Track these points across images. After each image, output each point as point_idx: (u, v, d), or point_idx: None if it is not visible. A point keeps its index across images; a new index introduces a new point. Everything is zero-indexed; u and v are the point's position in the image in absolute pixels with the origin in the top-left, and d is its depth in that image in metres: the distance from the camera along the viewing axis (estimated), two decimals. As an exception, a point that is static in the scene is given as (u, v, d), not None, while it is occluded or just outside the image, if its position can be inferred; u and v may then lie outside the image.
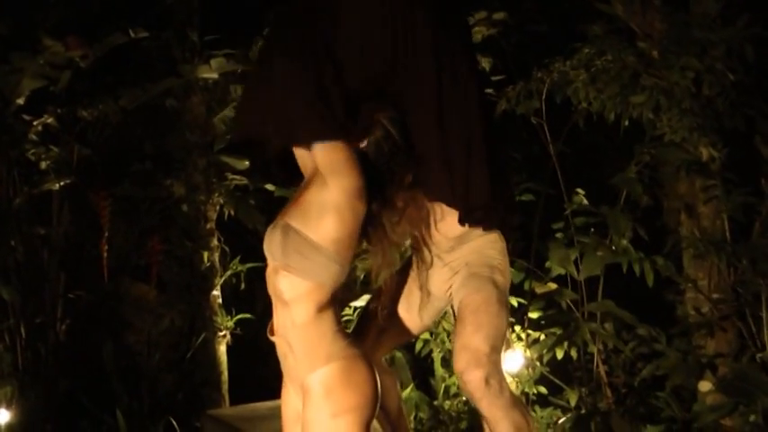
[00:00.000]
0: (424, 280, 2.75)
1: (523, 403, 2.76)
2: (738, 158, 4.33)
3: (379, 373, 2.42)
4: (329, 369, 2.26)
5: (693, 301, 4.35)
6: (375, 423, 2.56)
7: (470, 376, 2.47)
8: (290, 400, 2.51)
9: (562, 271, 4.26)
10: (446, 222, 2.66)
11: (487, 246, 2.69)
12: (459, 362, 2.50)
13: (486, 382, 2.46)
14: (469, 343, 2.51)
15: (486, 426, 2.64)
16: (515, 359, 4.38)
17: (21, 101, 4.56)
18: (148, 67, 4.97)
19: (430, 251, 2.69)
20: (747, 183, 4.26)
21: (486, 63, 4.40)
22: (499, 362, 2.57)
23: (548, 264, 4.36)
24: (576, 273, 4.14)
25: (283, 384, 2.52)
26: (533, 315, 4.46)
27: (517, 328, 4.46)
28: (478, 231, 2.67)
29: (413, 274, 2.81)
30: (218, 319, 5.09)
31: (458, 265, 2.67)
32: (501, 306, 2.61)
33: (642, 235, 4.26)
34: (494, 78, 4.43)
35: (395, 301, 2.82)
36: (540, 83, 4.24)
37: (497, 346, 2.56)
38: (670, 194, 4.49)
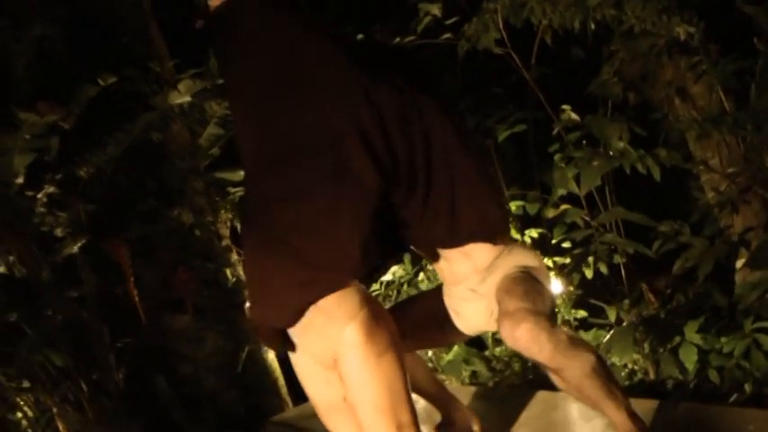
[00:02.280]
0: (462, 311, 2.81)
1: (582, 339, 2.64)
2: (719, 27, 4.17)
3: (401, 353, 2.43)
4: (360, 317, 2.30)
5: (710, 183, 4.23)
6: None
7: (518, 333, 2.40)
8: (326, 386, 2.53)
9: (566, 192, 4.17)
10: (472, 257, 2.68)
11: (519, 259, 2.68)
12: (504, 328, 2.44)
13: (537, 331, 2.38)
14: (507, 308, 2.46)
15: (554, 377, 2.57)
16: (552, 288, 4.32)
17: (20, 180, 4.64)
18: (125, 108, 5.03)
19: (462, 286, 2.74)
20: (732, 50, 4.11)
21: (436, 10, 4.32)
22: (545, 313, 2.49)
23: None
24: (578, 189, 4.05)
25: (312, 376, 2.53)
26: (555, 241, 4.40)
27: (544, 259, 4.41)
28: (505, 253, 2.68)
29: (448, 302, 2.84)
30: (259, 329, 5.14)
31: (494, 292, 2.65)
32: (536, 282, 2.59)
33: (639, 132, 4.15)
34: (447, 22, 4.35)
35: (425, 318, 2.89)
36: (494, 13, 4.14)
37: (538, 302, 2.49)
38: (657, 85, 4.34)
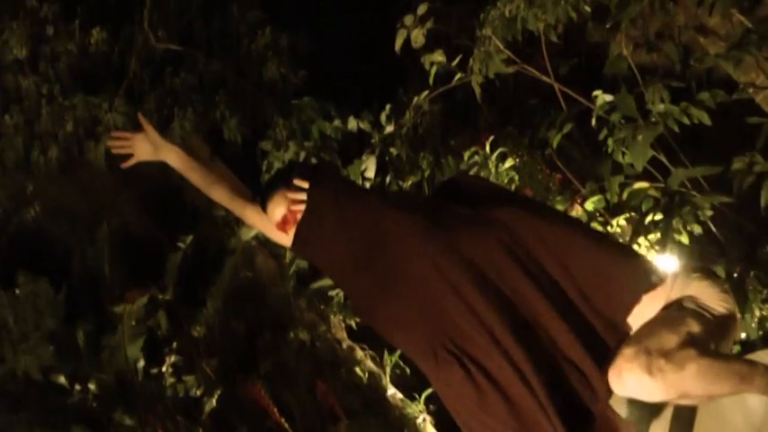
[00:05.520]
0: None
1: (679, 347, 2.21)
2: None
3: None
4: None
5: (766, 101, 4.10)
6: None
7: (622, 383, 2.19)
8: None
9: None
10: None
11: (687, 290, 2.41)
12: (610, 379, 2.22)
13: (638, 375, 2.16)
14: (620, 351, 2.23)
15: (686, 401, 2.28)
16: (668, 262, 4.20)
17: (141, 363, 4.87)
18: (211, 258, 5.28)
19: None
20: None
21: (439, 56, 4.40)
22: (658, 348, 2.19)
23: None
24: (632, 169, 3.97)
25: None
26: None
27: (640, 240, 4.33)
28: (677, 286, 2.42)
29: None
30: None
31: None
32: (685, 312, 2.30)
33: (677, 84, 4.07)
34: (453, 64, 4.42)
35: None
36: (490, 38, 4.19)
37: (661, 337, 2.22)
38: (676, 35, 4.26)
